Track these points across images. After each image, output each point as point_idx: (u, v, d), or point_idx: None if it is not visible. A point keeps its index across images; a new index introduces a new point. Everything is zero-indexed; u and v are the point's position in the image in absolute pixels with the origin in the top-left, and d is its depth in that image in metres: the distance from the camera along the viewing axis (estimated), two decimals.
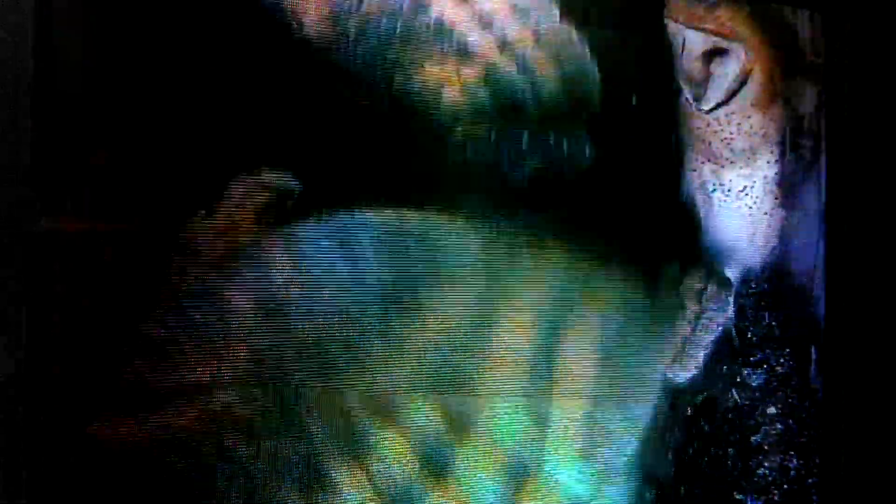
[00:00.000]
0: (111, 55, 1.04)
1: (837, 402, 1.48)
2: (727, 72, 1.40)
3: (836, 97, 1.49)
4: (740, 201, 1.44)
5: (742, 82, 1.40)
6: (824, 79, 1.49)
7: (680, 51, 1.40)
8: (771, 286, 1.48)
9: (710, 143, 1.43)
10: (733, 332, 1.46)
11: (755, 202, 1.44)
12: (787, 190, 1.46)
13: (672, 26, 1.40)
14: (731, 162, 1.43)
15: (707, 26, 1.39)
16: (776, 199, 1.45)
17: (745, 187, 1.44)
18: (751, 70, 1.40)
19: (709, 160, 1.43)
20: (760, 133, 1.43)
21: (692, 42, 1.39)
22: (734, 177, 1.44)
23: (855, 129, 1.51)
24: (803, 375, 1.48)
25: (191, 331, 1.09)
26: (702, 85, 1.39)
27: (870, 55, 1.52)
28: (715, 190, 1.44)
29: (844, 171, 1.51)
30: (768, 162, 1.44)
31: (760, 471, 1.45)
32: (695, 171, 1.44)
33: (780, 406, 1.46)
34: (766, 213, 1.45)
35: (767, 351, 1.47)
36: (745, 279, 1.48)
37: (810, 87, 1.49)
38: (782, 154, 1.45)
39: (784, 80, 1.44)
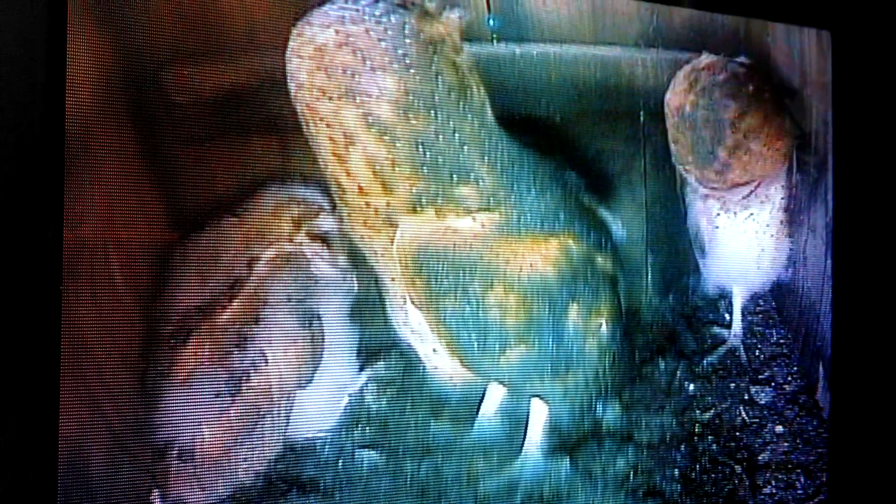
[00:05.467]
0: (125, 60, 1.04)
1: (844, 421, 1.47)
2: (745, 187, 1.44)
3: (843, 115, 1.50)
4: (746, 224, 1.44)
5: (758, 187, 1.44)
6: (832, 97, 1.49)
7: (706, 225, 1.45)
8: (778, 304, 1.48)
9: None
10: (741, 350, 1.46)
11: (762, 226, 1.44)
12: (794, 211, 1.46)
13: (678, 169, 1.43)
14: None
15: (719, 186, 1.42)
16: (782, 222, 1.45)
17: (751, 214, 1.44)
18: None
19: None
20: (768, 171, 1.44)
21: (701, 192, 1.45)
22: (739, 204, 1.44)
23: (861, 147, 1.51)
24: (810, 393, 1.48)
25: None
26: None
27: (876, 73, 1.53)
28: (719, 215, 1.44)
29: (851, 188, 1.51)
30: (775, 188, 1.44)
31: (767, 489, 1.44)
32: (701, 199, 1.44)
33: (787, 424, 1.46)
34: (772, 236, 1.45)
35: (775, 369, 1.47)
36: (752, 298, 1.48)
37: (817, 104, 1.49)
38: (789, 179, 1.45)
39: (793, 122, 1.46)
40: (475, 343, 1.19)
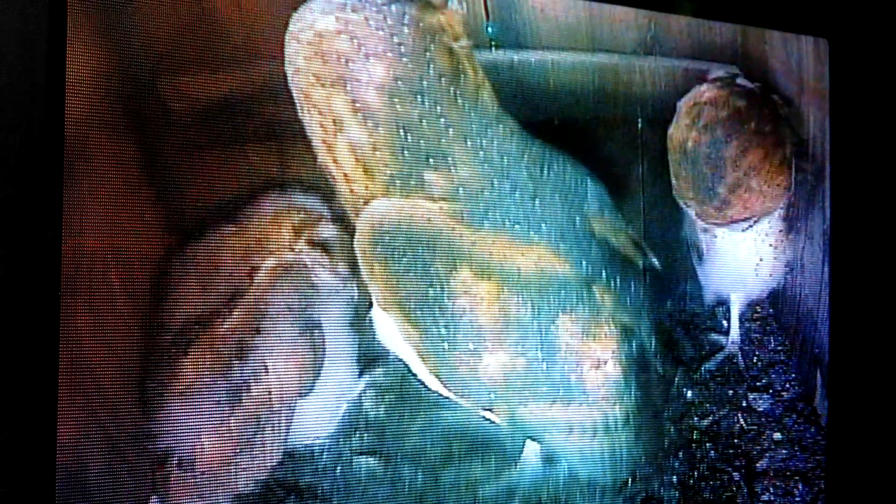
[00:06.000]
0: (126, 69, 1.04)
1: (842, 428, 1.47)
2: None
3: (841, 122, 1.50)
4: (745, 234, 1.44)
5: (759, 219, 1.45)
6: (830, 104, 1.49)
7: (703, 233, 1.45)
8: (776, 311, 1.49)
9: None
10: (739, 356, 1.46)
11: (760, 235, 1.45)
12: (793, 219, 1.46)
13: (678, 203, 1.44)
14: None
15: (719, 221, 1.42)
16: (781, 231, 1.45)
17: (749, 226, 1.44)
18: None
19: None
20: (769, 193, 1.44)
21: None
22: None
23: (858, 154, 1.52)
24: (808, 401, 1.48)
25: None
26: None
27: (874, 81, 1.53)
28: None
29: (848, 196, 1.51)
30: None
31: (765, 496, 1.44)
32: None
33: (785, 431, 1.46)
34: (770, 245, 1.45)
35: (773, 376, 1.47)
36: (750, 304, 1.48)
37: (814, 112, 1.49)
38: (788, 191, 1.45)
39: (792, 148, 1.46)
40: (445, 343, 1.14)
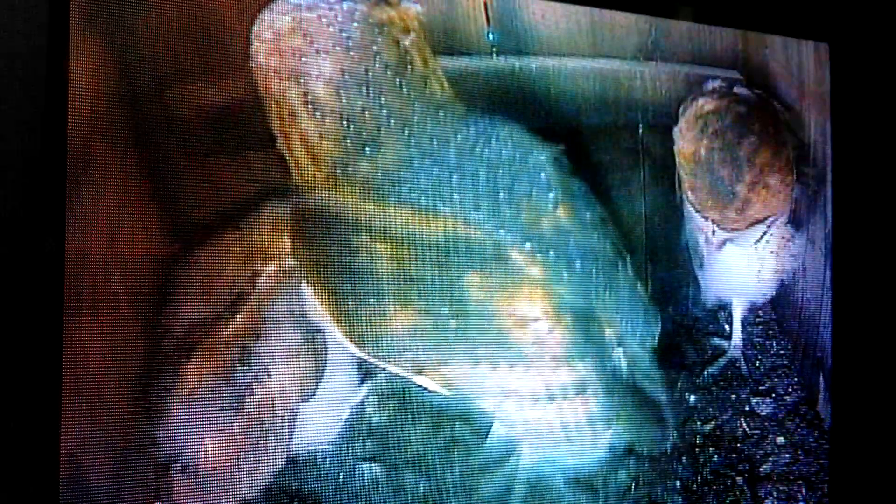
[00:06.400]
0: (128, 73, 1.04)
1: (845, 432, 1.47)
2: (755, 230, 1.44)
3: (842, 126, 1.50)
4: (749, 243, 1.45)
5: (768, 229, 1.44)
6: (831, 109, 1.49)
7: (710, 235, 1.43)
8: (778, 315, 1.49)
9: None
10: (741, 361, 1.46)
11: (763, 241, 1.45)
12: (794, 225, 1.46)
13: (697, 220, 1.43)
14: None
15: (740, 226, 1.42)
16: (783, 237, 1.45)
17: (762, 234, 1.45)
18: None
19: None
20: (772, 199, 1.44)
21: (719, 236, 1.43)
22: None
23: (860, 158, 1.52)
24: (811, 405, 1.48)
25: None
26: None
27: (874, 85, 1.53)
28: (715, 232, 1.44)
29: (850, 200, 1.51)
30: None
31: (769, 501, 1.44)
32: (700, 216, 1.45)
33: (788, 435, 1.46)
34: (772, 252, 1.45)
35: (775, 380, 1.47)
36: (752, 309, 1.48)
37: (815, 116, 1.50)
38: (792, 197, 1.46)
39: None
40: (350, 302, 1.15)
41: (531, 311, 1.20)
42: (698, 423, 1.41)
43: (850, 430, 1.47)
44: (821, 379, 1.48)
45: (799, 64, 1.49)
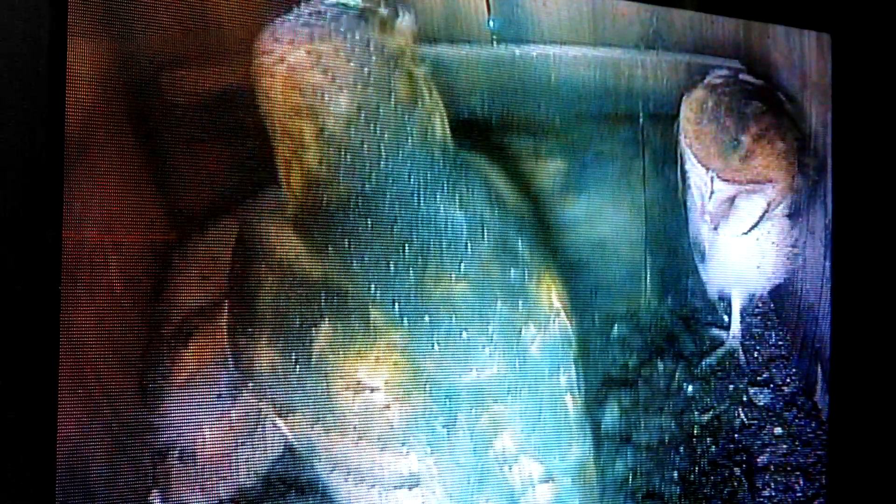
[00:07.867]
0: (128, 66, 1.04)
1: (843, 423, 1.48)
2: (755, 206, 1.42)
3: (843, 117, 1.50)
4: (747, 234, 1.44)
5: (768, 209, 1.43)
6: (832, 99, 1.49)
7: (707, 196, 1.41)
8: (777, 306, 1.48)
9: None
10: (740, 351, 1.46)
11: (763, 232, 1.44)
12: (796, 215, 1.46)
13: (698, 171, 1.42)
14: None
15: (741, 178, 1.41)
16: (783, 228, 1.45)
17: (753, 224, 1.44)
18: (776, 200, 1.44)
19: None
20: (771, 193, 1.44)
21: (721, 189, 1.41)
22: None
23: (860, 149, 1.52)
24: (809, 395, 1.48)
25: None
26: (725, 217, 1.42)
27: (876, 76, 1.53)
28: (714, 180, 1.43)
29: (850, 191, 1.51)
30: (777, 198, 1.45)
31: (766, 491, 1.44)
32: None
33: (786, 426, 1.46)
34: (773, 243, 1.45)
35: (774, 370, 1.47)
36: (751, 299, 1.48)
37: (816, 107, 1.49)
38: (793, 186, 1.45)
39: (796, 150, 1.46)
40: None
41: (373, 380, 1.10)
42: (696, 413, 1.42)
43: (848, 421, 1.48)
44: (819, 370, 1.48)
45: (801, 54, 1.48)
